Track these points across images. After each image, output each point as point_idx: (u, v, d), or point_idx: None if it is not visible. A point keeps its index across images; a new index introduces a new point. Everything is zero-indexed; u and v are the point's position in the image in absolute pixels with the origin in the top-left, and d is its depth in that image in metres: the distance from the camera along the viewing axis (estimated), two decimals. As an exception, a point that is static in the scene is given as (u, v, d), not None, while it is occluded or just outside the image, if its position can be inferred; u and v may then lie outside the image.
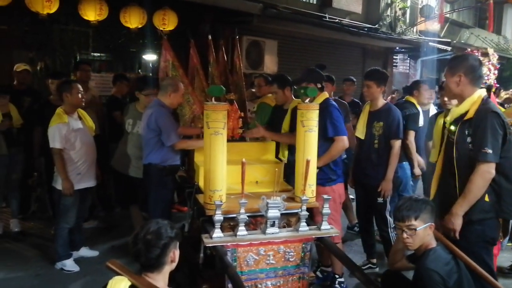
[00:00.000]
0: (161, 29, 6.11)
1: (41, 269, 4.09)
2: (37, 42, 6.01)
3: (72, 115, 4.04)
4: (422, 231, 2.48)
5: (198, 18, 6.86)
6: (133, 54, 7.23)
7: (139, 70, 7.26)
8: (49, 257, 4.32)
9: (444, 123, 4.08)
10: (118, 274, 1.95)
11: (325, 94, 3.70)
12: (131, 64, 7.31)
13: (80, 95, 4.04)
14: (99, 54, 6.99)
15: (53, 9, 5.04)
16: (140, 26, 5.95)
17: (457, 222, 2.66)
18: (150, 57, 7.21)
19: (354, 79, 6.38)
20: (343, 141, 3.54)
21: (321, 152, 3.36)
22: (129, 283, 1.91)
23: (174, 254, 2.02)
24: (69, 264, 4.12)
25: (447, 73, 2.84)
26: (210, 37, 4.33)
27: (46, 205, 5.31)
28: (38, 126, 4.78)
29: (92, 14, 5.45)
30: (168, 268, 2.02)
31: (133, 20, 5.85)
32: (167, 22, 6.07)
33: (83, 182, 4.09)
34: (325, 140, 3.48)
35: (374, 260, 4.28)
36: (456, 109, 2.81)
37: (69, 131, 3.96)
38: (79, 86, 4.09)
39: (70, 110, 4.03)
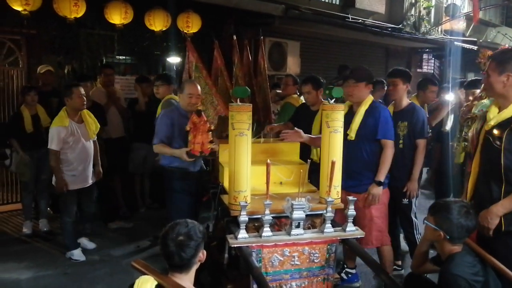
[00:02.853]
0: (185, 31, 6.18)
1: (69, 268, 4.19)
2: (65, 46, 6.15)
3: (74, 117, 4.22)
4: (429, 228, 2.50)
5: (221, 21, 6.90)
6: (157, 56, 7.32)
7: (164, 72, 7.34)
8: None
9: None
10: (144, 273, 1.98)
11: (371, 97, 3.65)
12: (155, 66, 7.40)
13: (80, 99, 4.19)
14: (124, 57, 7.11)
15: (80, 13, 5.15)
16: (164, 29, 6.03)
17: (494, 222, 2.51)
18: (174, 59, 7.28)
19: None
20: (392, 145, 3.53)
21: (369, 154, 3.50)
22: (155, 283, 1.93)
23: (203, 254, 2.05)
24: (76, 254, 4.36)
25: (492, 69, 2.55)
26: (235, 37, 4.34)
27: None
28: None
29: (117, 17, 5.55)
30: (195, 267, 2.05)
31: (157, 23, 5.93)
32: (190, 24, 6.13)
33: (78, 183, 4.30)
34: (371, 141, 3.52)
35: (399, 262, 4.23)
36: (502, 113, 2.55)
37: (68, 135, 4.15)
38: (81, 90, 4.23)
39: (72, 113, 4.21)
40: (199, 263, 2.07)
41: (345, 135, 3.41)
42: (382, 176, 3.49)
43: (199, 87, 3.88)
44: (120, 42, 6.79)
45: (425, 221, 2.53)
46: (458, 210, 2.42)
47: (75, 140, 4.20)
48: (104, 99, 5.42)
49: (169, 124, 3.79)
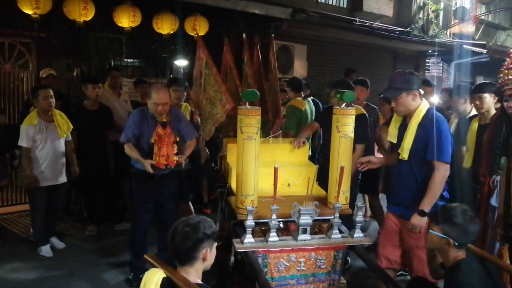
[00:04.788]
0: (192, 34, 6.21)
1: (75, 269, 4.20)
2: (74, 49, 6.21)
3: (44, 117, 4.34)
4: (435, 237, 2.39)
5: (228, 24, 6.92)
6: (165, 59, 7.36)
7: (171, 76, 7.38)
8: (83, 256, 4.46)
9: (481, 126, 3.98)
10: (155, 267, 2.00)
11: (426, 103, 3.05)
12: (163, 69, 7.44)
13: (46, 100, 4.30)
14: (132, 60, 7.16)
15: (89, 17, 5.21)
16: (172, 32, 6.06)
17: None
18: (181, 62, 7.32)
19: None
20: (445, 169, 2.88)
21: (422, 178, 2.96)
22: (163, 275, 1.94)
23: (207, 252, 2.00)
24: (44, 250, 4.45)
25: None
26: (244, 35, 4.29)
27: (81, 206, 5.46)
28: (73, 131, 4.90)
29: (126, 21, 5.59)
30: (200, 265, 2.02)
31: (165, 26, 5.97)
32: (198, 28, 6.16)
33: (46, 181, 4.37)
34: (423, 162, 2.94)
35: (407, 268, 4.19)
36: None
37: (36, 132, 4.29)
38: (48, 92, 4.33)
39: (42, 113, 4.34)
40: (205, 263, 2.03)
41: (397, 153, 3.04)
42: (427, 205, 2.87)
43: (166, 94, 3.67)
44: (128, 45, 6.85)
45: (430, 230, 2.44)
46: (464, 215, 2.38)
47: (42, 139, 4.33)
48: (111, 101, 5.44)
49: (137, 122, 3.69)
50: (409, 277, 4.06)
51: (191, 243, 1.96)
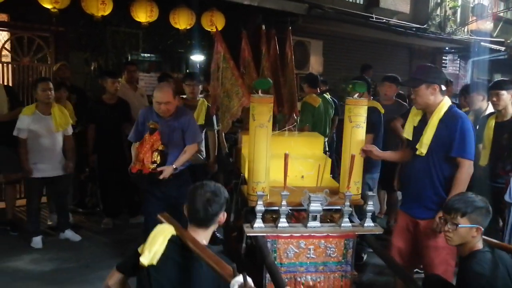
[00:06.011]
0: (209, 30, 6.26)
1: (91, 261, 4.23)
2: (91, 43, 6.31)
3: (42, 109, 4.39)
4: (464, 230, 2.31)
5: (244, 19, 6.95)
6: (181, 54, 7.43)
7: (187, 71, 7.45)
8: (99, 249, 4.50)
9: (497, 123, 3.93)
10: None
11: (448, 100, 2.97)
12: (179, 64, 7.52)
13: (43, 93, 4.33)
14: (148, 55, 7.24)
15: (107, 11, 5.27)
16: (188, 27, 6.11)
17: None
18: (197, 57, 7.38)
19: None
20: (470, 166, 2.84)
21: (439, 174, 2.91)
22: (170, 235, 1.98)
23: (223, 216, 2.08)
24: (35, 241, 4.48)
25: None
26: (263, 27, 4.29)
27: (97, 200, 5.53)
28: (91, 124, 4.97)
29: (143, 15, 5.66)
30: (213, 228, 2.08)
31: (182, 21, 6.02)
32: (214, 23, 6.20)
33: (40, 172, 4.42)
34: (444, 158, 2.89)
35: (421, 265, 4.14)
36: None
37: (30, 123, 4.32)
38: (46, 84, 4.38)
39: (40, 105, 4.39)
40: (217, 225, 2.09)
41: (414, 148, 2.99)
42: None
43: (169, 93, 3.60)
44: (145, 40, 6.95)
45: (459, 225, 2.32)
46: (478, 198, 2.36)
47: (37, 130, 4.35)
48: (128, 95, 5.51)
49: (141, 122, 3.71)
50: (423, 275, 4.04)
51: (218, 207, 2.01)
